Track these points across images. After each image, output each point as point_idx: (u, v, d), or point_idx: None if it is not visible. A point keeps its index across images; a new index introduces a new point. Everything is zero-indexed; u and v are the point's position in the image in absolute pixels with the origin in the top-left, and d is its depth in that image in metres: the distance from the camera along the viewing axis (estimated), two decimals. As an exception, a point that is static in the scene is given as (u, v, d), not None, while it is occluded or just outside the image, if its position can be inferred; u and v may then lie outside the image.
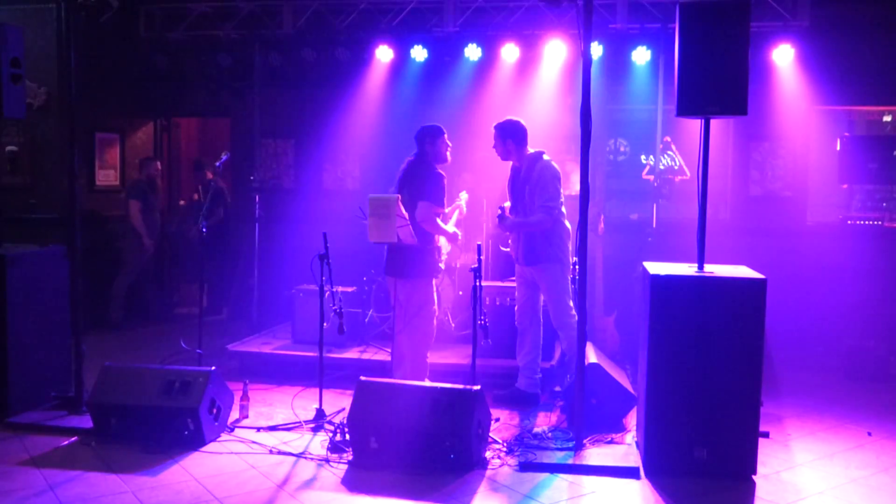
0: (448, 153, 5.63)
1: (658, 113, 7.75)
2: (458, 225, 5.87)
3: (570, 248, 5.80)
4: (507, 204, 5.89)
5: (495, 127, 5.82)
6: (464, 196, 6.08)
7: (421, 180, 5.48)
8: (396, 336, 5.61)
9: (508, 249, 6.07)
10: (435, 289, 5.68)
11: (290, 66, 8.26)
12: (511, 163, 5.91)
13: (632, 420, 5.30)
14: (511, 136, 5.77)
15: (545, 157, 5.80)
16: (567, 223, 5.80)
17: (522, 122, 5.83)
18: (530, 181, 5.70)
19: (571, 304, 5.70)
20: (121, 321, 8.36)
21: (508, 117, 5.84)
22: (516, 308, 6.01)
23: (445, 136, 5.60)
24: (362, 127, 8.47)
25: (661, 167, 7.83)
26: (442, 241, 5.62)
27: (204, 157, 9.68)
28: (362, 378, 4.85)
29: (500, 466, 4.63)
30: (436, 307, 5.68)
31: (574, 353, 5.02)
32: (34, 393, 5.51)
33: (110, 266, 8.39)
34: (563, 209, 5.79)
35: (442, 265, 5.67)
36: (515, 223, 5.74)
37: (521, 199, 5.76)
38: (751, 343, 4.41)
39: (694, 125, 4.96)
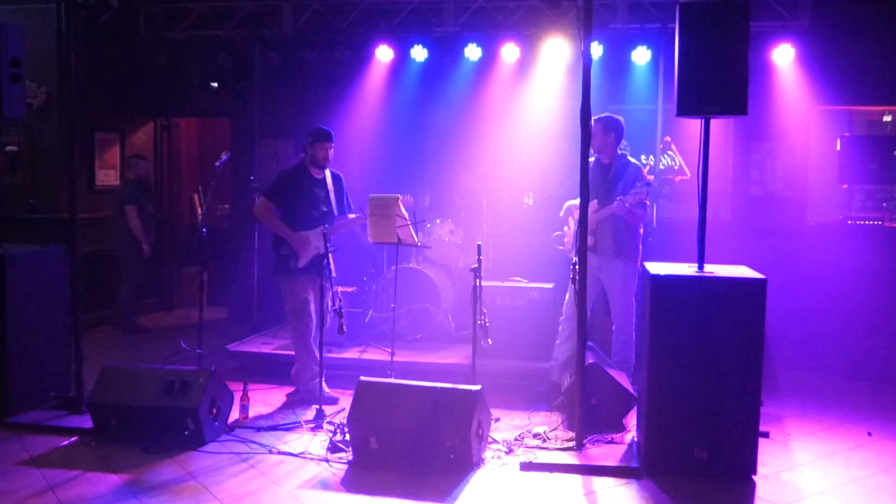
0: (323, 157, 5.82)
1: (658, 113, 7.75)
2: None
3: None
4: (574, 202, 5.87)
5: (599, 119, 5.82)
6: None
7: None
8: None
9: (563, 248, 6.17)
10: (300, 288, 5.73)
11: (290, 66, 8.26)
12: (595, 158, 5.93)
13: (632, 420, 5.29)
14: (614, 130, 5.84)
15: (631, 158, 5.93)
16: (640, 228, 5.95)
17: (622, 120, 5.89)
18: (623, 178, 5.78)
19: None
20: (134, 327, 8.31)
21: (609, 113, 5.89)
22: (567, 300, 5.96)
23: (325, 142, 5.79)
24: (362, 127, 8.47)
25: (661, 167, 7.84)
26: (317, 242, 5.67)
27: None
28: (362, 378, 4.85)
29: (501, 466, 4.63)
30: (309, 307, 5.73)
31: (577, 354, 5.02)
32: (34, 393, 5.52)
33: (114, 268, 8.34)
34: None
35: (294, 264, 5.69)
36: (587, 209, 5.28)
37: (613, 193, 5.78)
38: (751, 343, 4.40)
39: (694, 125, 4.96)
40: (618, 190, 5.78)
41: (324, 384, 5.70)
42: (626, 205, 5.64)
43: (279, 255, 5.74)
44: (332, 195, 5.92)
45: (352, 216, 6.00)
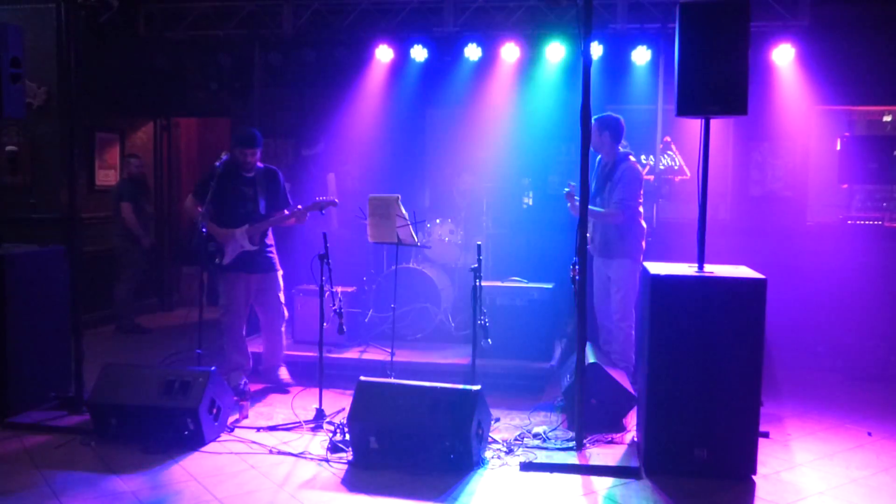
0: (243, 162, 5.85)
1: (658, 113, 7.75)
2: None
3: (644, 246, 5.93)
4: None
5: (596, 118, 5.85)
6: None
7: None
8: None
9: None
10: (228, 285, 5.99)
11: (290, 66, 8.27)
12: (599, 156, 6.01)
13: (632, 420, 5.29)
14: (608, 128, 5.87)
15: (631, 157, 5.93)
16: (643, 223, 5.93)
17: (622, 119, 5.91)
18: (613, 178, 5.81)
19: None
20: (133, 327, 8.31)
21: (609, 112, 5.94)
22: (595, 302, 6.02)
23: (246, 148, 5.82)
24: (362, 127, 8.47)
25: (661, 167, 7.84)
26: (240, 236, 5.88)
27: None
28: (362, 378, 4.85)
29: (500, 466, 4.63)
30: (236, 305, 6.01)
31: (576, 353, 5.02)
32: (34, 393, 5.51)
33: (113, 268, 8.34)
34: (641, 209, 5.92)
35: (220, 259, 5.88)
36: (587, 210, 5.04)
37: (602, 193, 5.87)
38: (751, 343, 4.40)
39: (694, 125, 4.96)
40: (606, 190, 5.81)
41: (284, 371, 6.19)
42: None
43: (207, 251, 5.83)
44: (260, 194, 5.92)
45: (287, 213, 6.01)
